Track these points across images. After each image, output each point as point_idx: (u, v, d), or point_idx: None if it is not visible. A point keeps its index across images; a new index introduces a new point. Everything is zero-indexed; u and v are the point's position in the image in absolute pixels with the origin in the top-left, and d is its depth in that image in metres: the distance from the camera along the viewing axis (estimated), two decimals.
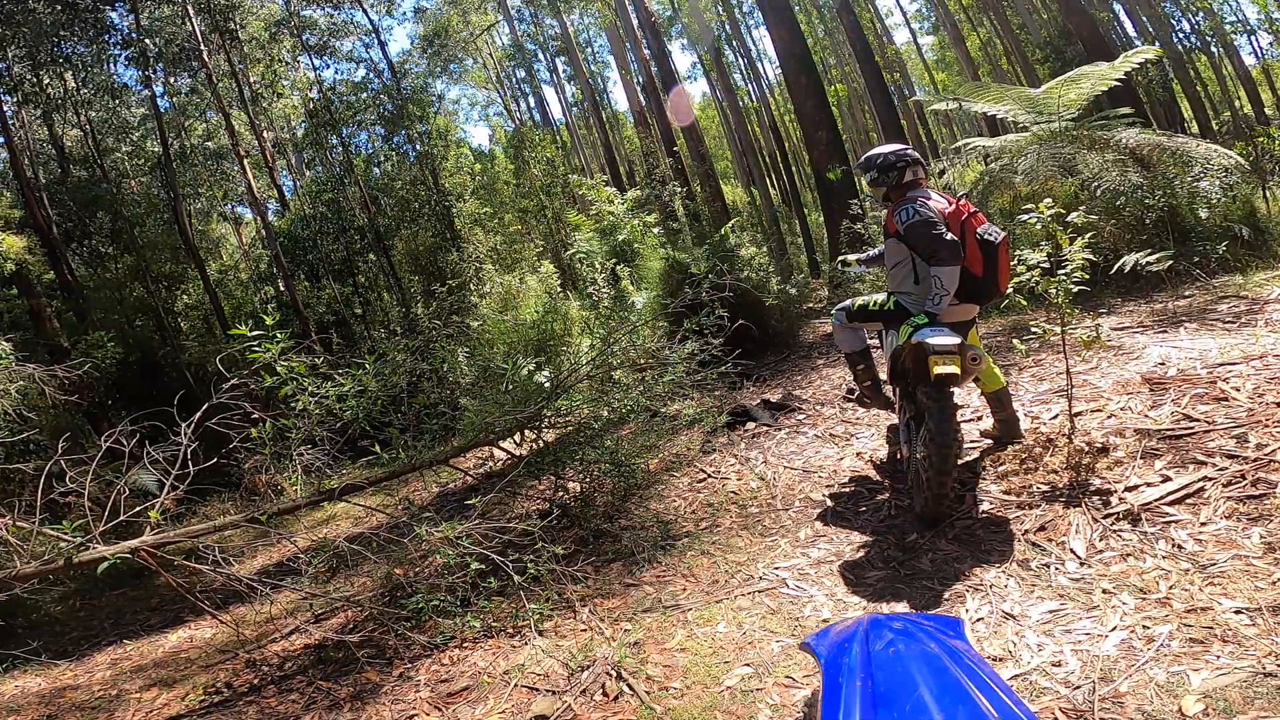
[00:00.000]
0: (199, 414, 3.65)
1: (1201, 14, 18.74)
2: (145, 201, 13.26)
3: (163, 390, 11.06)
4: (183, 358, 11.51)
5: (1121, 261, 5.22)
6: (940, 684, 0.87)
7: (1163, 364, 3.76)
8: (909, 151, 3.31)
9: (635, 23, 16.68)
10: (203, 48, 11.71)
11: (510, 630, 2.93)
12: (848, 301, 3.62)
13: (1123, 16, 20.32)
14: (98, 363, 8.85)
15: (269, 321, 3.79)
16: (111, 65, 12.40)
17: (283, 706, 2.81)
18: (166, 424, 3.61)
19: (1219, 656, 1.85)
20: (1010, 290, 3.20)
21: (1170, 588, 2.17)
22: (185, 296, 13.94)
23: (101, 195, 12.08)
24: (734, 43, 27.02)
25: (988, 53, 25.19)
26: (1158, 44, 16.45)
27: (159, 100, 12.75)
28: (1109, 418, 3.31)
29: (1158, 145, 6.08)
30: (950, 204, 3.14)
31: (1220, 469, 2.65)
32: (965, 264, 3.05)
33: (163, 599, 4.85)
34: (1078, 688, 1.88)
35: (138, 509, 3.32)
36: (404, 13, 26.52)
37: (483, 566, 3.25)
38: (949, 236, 2.97)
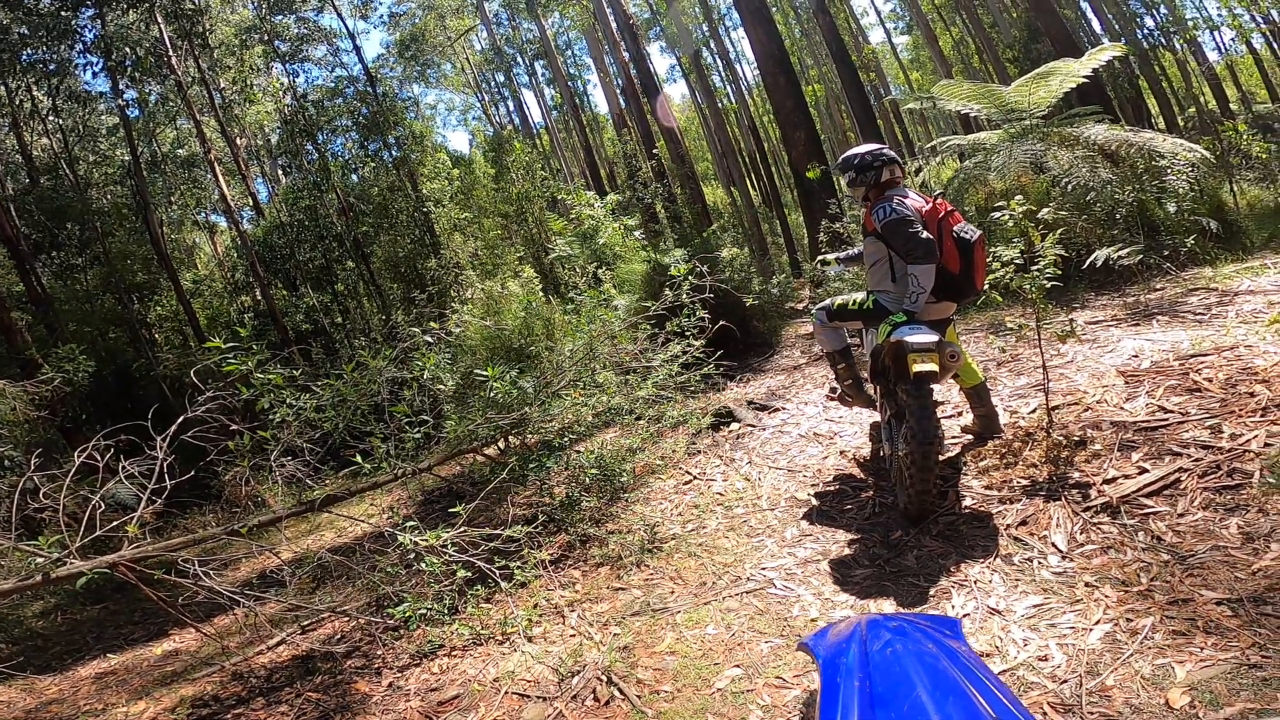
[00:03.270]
0: (175, 427, 3.60)
1: (1163, 7, 19.16)
2: (115, 211, 13.01)
3: (138, 403, 10.85)
4: (158, 370, 11.30)
5: (1094, 256, 5.33)
6: (937, 684, 0.87)
7: (1136, 356, 3.83)
8: (885, 151, 3.35)
9: (614, 25, 16.67)
10: (171, 54, 11.52)
11: (499, 637, 2.92)
12: (828, 301, 3.65)
13: (1089, 14, 20.73)
14: (70, 376, 8.65)
15: (244, 332, 3.74)
16: (78, 73, 12.17)
17: (271, 719, 2.77)
18: (142, 437, 3.56)
19: (1203, 648, 1.87)
20: (986, 287, 3.24)
21: (1151, 580, 2.21)
22: (159, 307, 13.70)
23: (70, 205, 11.83)
24: (712, 44, 27.11)
25: (960, 51, 25.53)
26: (1123, 40, 16.79)
27: (128, 108, 12.52)
28: (1085, 411, 3.36)
29: (1125, 141, 6.19)
30: (927, 203, 3.18)
31: (1196, 460, 2.70)
32: (942, 262, 3.09)
33: (145, 612, 4.79)
34: (1065, 682, 1.90)
35: (115, 523, 3.27)
36: (381, 16, 26.16)
37: (469, 574, 3.24)
38: (925, 235, 3.01)
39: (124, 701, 3.30)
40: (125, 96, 12.33)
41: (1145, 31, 20.04)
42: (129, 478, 3.50)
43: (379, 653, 3.08)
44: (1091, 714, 1.76)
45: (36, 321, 10.83)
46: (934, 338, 2.81)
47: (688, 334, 4.78)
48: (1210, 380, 3.24)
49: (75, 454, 3.49)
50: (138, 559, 3.20)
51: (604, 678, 2.41)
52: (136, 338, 12.34)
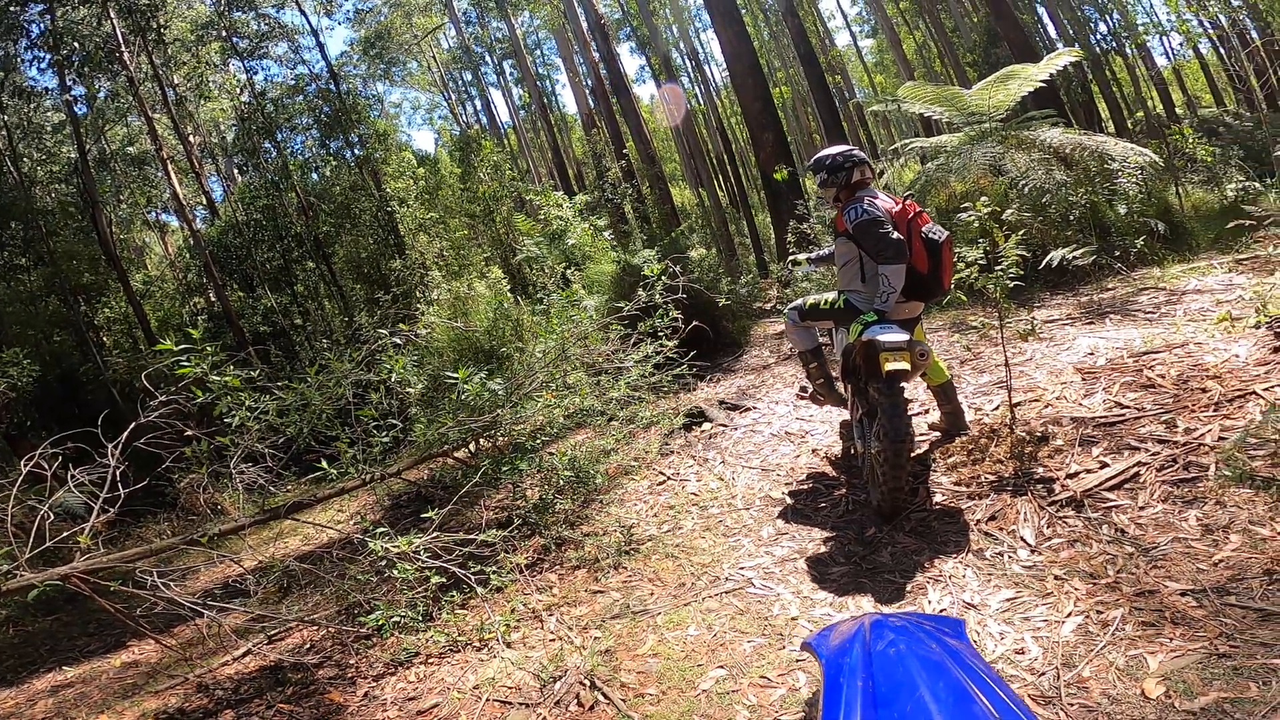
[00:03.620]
0: (126, 433, 3.47)
1: (1116, 13, 19.83)
2: (61, 210, 12.50)
3: (86, 408, 10.46)
4: (107, 374, 10.90)
5: (1050, 257, 5.49)
6: (941, 684, 0.88)
7: (1092, 354, 3.95)
8: (856, 153, 3.39)
9: (584, 25, 16.63)
10: (124, 49, 11.10)
11: (477, 644, 2.88)
12: (799, 301, 3.68)
13: (1046, 19, 21.37)
14: (14, 381, 8.30)
15: (197, 334, 3.61)
16: (24, 68, 11.68)
17: None
18: (92, 445, 3.42)
19: (1172, 639, 1.93)
20: (952, 286, 3.31)
21: (1118, 572, 2.27)
22: (107, 309, 13.21)
23: (13, 204, 11.33)
24: (682, 45, 27.23)
25: (923, 55, 26.06)
26: (1077, 45, 17.34)
27: (76, 104, 12.04)
28: (1046, 407, 3.46)
29: (1079, 144, 6.39)
30: (897, 204, 3.23)
31: (1153, 454, 2.80)
32: (911, 262, 3.14)
33: (100, 623, 4.62)
34: (1042, 674, 1.95)
35: (66, 534, 3.15)
36: (346, 13, 25.57)
37: (443, 580, 3.18)
38: (895, 235, 3.06)
39: (85, 715, 3.20)
40: (73, 92, 11.87)
41: (1099, 37, 20.72)
42: (79, 486, 3.37)
43: (352, 662, 3.01)
44: (1071, 705, 1.80)
45: None
46: (905, 336, 2.86)
47: (660, 334, 4.79)
48: (1163, 376, 3.37)
49: (21, 462, 3.35)
50: (91, 570, 3.09)
51: (587, 682, 2.39)
52: (84, 341, 11.89)
